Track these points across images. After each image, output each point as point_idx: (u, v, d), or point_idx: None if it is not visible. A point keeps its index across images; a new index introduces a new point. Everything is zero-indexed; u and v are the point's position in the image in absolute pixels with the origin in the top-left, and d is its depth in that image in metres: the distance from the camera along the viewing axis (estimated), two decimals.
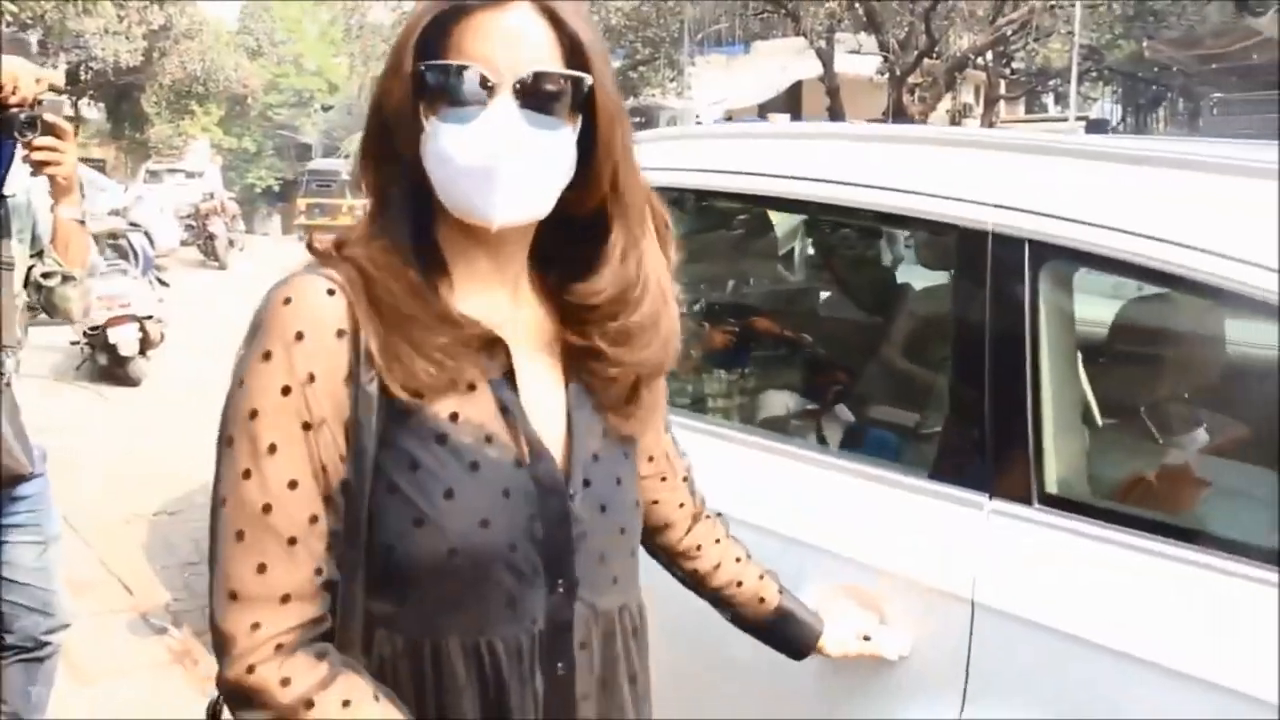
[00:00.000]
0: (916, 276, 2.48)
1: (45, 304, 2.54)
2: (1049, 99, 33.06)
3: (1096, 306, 1.99)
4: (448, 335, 1.01)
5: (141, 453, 6.12)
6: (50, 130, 2.28)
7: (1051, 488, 1.54)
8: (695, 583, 1.38)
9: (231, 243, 18.71)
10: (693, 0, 27.89)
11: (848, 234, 2.53)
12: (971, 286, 1.68)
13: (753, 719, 1.78)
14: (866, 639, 1.52)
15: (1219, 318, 1.88)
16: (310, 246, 1.06)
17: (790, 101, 29.73)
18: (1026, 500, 1.53)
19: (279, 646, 0.97)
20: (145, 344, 8.03)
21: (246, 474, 0.97)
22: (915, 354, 2.18)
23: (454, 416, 1.02)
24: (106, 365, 8.09)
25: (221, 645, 0.98)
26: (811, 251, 3.11)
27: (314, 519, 0.99)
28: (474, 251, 1.06)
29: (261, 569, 0.97)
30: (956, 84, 26.00)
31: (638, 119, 34.73)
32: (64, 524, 4.13)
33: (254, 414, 0.98)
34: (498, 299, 1.08)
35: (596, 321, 1.07)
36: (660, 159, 2.52)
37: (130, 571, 4.47)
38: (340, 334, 0.99)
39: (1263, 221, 1.45)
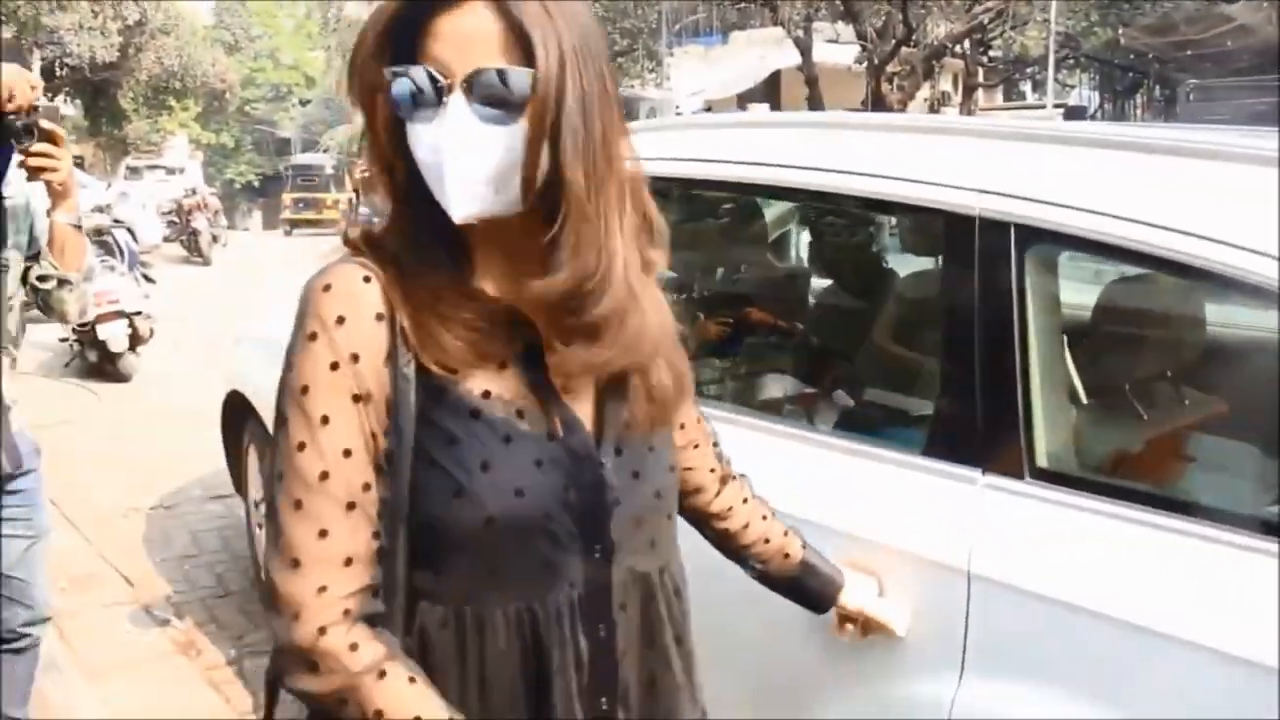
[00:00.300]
0: (904, 263, 2.54)
1: (42, 306, 2.57)
2: (1027, 86, 33.19)
3: (1077, 291, 2.06)
4: (474, 310, 1.07)
5: (135, 448, 6.16)
6: (46, 136, 2.30)
7: (1042, 462, 1.60)
8: (725, 541, 1.44)
9: (215, 238, 18.68)
10: None
11: (837, 221, 2.59)
12: (960, 270, 1.75)
13: (752, 691, 1.84)
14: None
15: (1199, 298, 1.95)
16: (344, 238, 1.12)
17: (769, 91, 29.71)
18: (1018, 475, 1.59)
19: (345, 612, 1.02)
20: (135, 340, 8.03)
21: (301, 446, 1.03)
22: (906, 337, 2.25)
23: (486, 394, 1.07)
24: (96, 361, 8.10)
25: (286, 611, 1.01)
26: (802, 239, 3.17)
27: (367, 486, 1.04)
28: (488, 239, 1.10)
29: (323, 534, 1.02)
30: (935, 72, 26.07)
31: None
32: (63, 518, 4.17)
33: (305, 389, 1.03)
34: (495, 275, 1.12)
35: (554, 318, 1.09)
36: (646, 149, 2.58)
37: (130, 565, 4.51)
38: (379, 317, 1.05)
39: (1239, 204, 1.52)
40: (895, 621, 1.61)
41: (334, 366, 1.03)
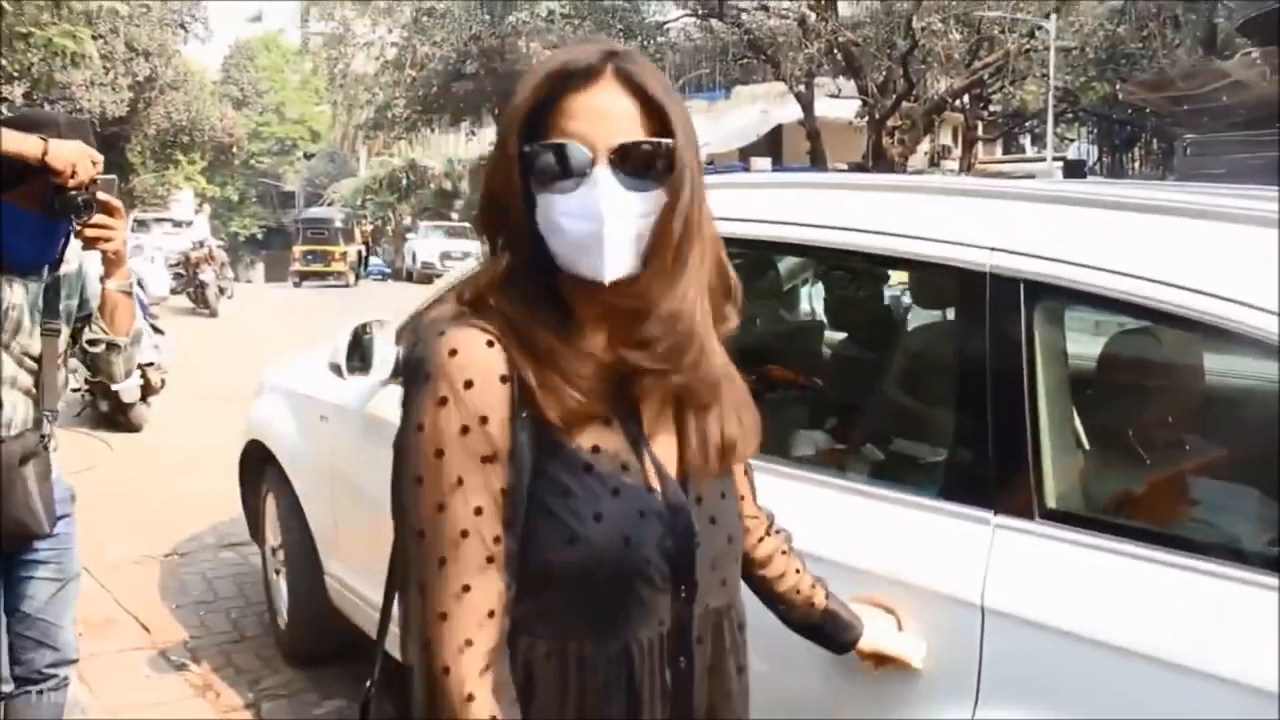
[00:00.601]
0: (916, 317, 2.64)
1: (90, 367, 2.65)
2: (1026, 140, 33.52)
3: (1077, 342, 2.16)
4: (590, 367, 1.15)
5: (147, 497, 6.21)
6: (104, 208, 2.37)
7: (1051, 503, 1.68)
8: (761, 586, 1.52)
9: (221, 290, 18.82)
10: (673, 47, 28.25)
11: (852, 276, 2.69)
12: (971, 324, 1.85)
13: None
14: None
15: (1197, 349, 2.04)
16: (459, 299, 1.18)
17: (771, 145, 30.01)
18: (1029, 515, 1.68)
19: (485, 667, 1.10)
20: (147, 390, 8.11)
21: (440, 507, 1.10)
22: (919, 387, 2.34)
23: (595, 448, 1.16)
24: (108, 411, 8.17)
25: (435, 664, 1.09)
26: (814, 292, 3.27)
27: (498, 539, 1.12)
28: (581, 297, 1.18)
29: (466, 589, 1.10)
30: (935, 126, 26.42)
31: None
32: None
33: (439, 453, 1.10)
34: (600, 335, 1.20)
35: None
36: None
37: (146, 611, 4.57)
38: (503, 379, 1.12)
39: (1235, 261, 1.63)
40: (912, 656, 1.68)
41: (464, 430, 1.10)
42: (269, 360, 4.65)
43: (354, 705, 3.74)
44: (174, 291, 18.63)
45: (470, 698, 1.09)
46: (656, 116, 1.15)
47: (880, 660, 1.67)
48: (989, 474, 1.74)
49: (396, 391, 3.40)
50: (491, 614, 1.11)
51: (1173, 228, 1.74)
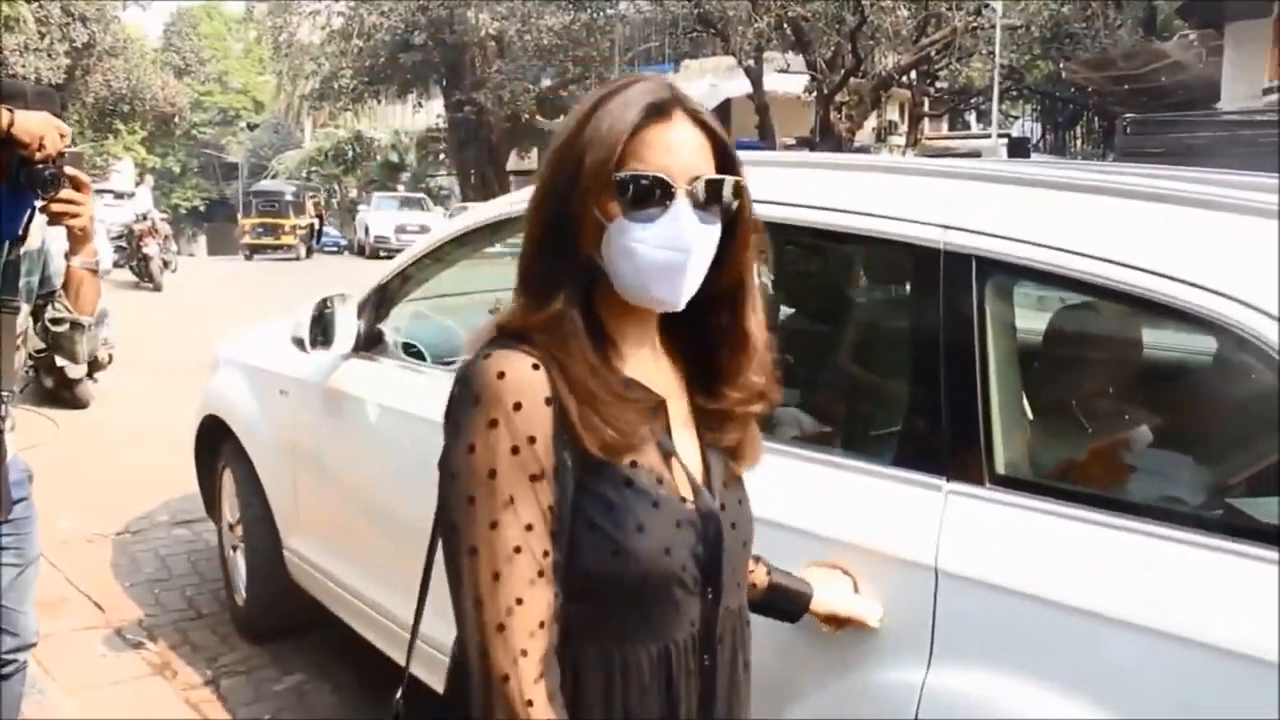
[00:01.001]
0: (870, 293, 2.72)
1: (53, 346, 2.59)
2: (971, 117, 33.83)
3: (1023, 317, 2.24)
4: (629, 407, 1.22)
5: (95, 474, 6.13)
6: (72, 183, 2.30)
7: (1001, 470, 1.76)
8: None
9: (166, 264, 18.48)
10: (623, 19, 28.12)
11: (808, 253, 2.74)
12: (925, 299, 1.92)
13: None
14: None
15: (1137, 324, 2.13)
16: (499, 324, 1.24)
17: (720, 119, 29.94)
18: (980, 481, 1.76)
19: (540, 675, 1.15)
20: (93, 366, 8.00)
21: (494, 524, 1.15)
22: (873, 360, 2.41)
23: (633, 464, 1.23)
24: (53, 388, 8.03)
25: (494, 674, 1.14)
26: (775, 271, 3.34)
27: (546, 553, 1.17)
28: (629, 324, 1.27)
29: (519, 602, 1.14)
30: (882, 102, 26.59)
31: None
32: None
33: (492, 473, 1.15)
34: (644, 358, 1.29)
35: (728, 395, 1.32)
36: None
37: (99, 589, 4.54)
38: (548, 401, 1.17)
39: (1173, 239, 1.71)
40: (869, 616, 1.76)
41: (515, 450, 1.15)
42: (222, 335, 4.62)
43: (313, 680, 3.78)
44: (116, 265, 18.26)
45: (529, 703, 1.14)
46: (719, 153, 1.23)
47: (839, 623, 1.75)
48: (941, 443, 1.82)
49: (359, 365, 3.42)
50: (542, 624, 1.16)
51: (1116, 208, 1.82)
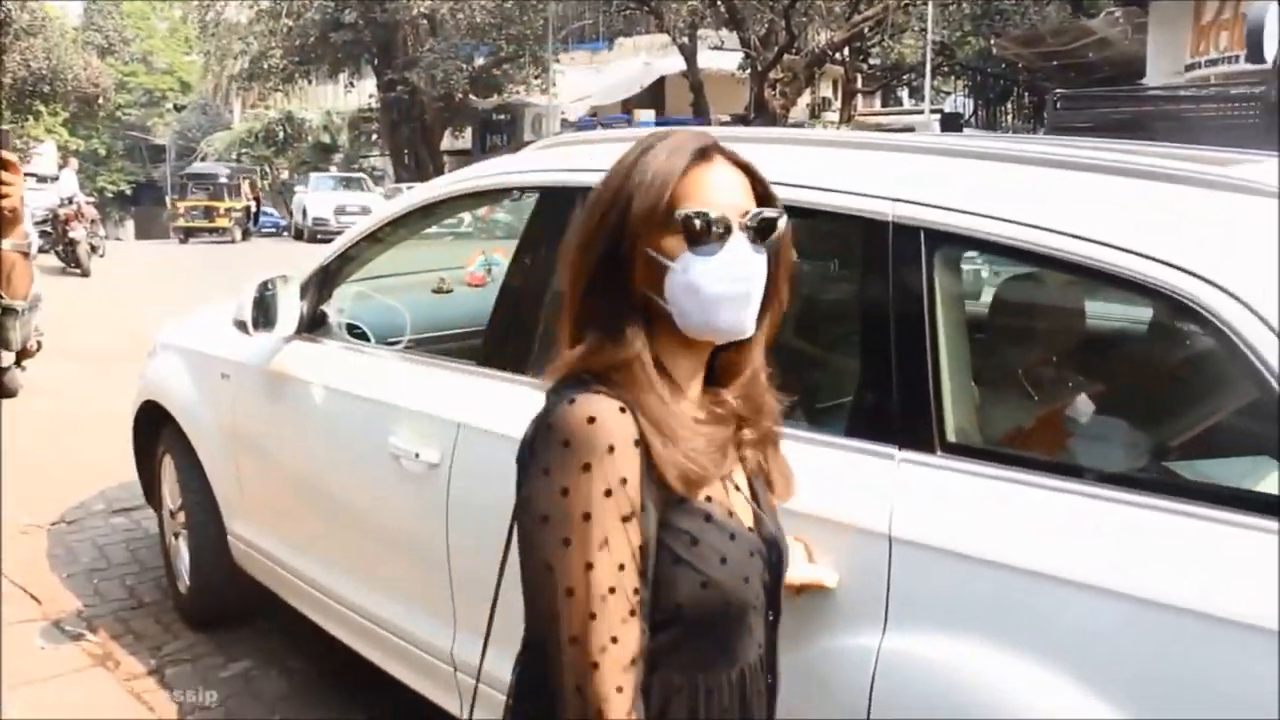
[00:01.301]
0: (820, 266, 2.74)
1: None
2: (904, 93, 34.16)
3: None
4: (704, 442, 1.27)
5: (28, 464, 5.96)
6: (1, 164, 2.21)
7: (951, 438, 1.80)
8: None
9: (93, 248, 18.05)
10: None
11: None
12: (875, 271, 1.94)
13: None
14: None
15: (1079, 294, 2.18)
16: (571, 368, 1.28)
17: (654, 97, 30.01)
18: (931, 449, 1.79)
19: (631, 708, 1.18)
20: (21, 354, 7.78)
21: (589, 566, 1.17)
22: (825, 333, 2.44)
23: (709, 499, 1.28)
24: None
25: (589, 711, 1.17)
26: None
27: (636, 591, 1.20)
28: (683, 359, 1.31)
29: (614, 640, 1.18)
30: (816, 79, 26.75)
31: (503, 116, 34.57)
32: None
33: (586, 516, 1.17)
34: (694, 393, 1.34)
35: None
36: (559, 162, 2.75)
37: (35, 582, 4.45)
38: (636, 443, 1.21)
39: (1116, 209, 1.75)
40: (825, 578, 1.79)
41: (608, 493, 1.18)
42: (157, 321, 4.54)
43: (261, 666, 3.75)
44: (42, 250, 17.78)
45: None
46: (757, 188, 1.31)
47: (795, 590, 1.77)
48: (893, 412, 1.84)
49: (302, 347, 3.38)
50: (634, 660, 1.20)
51: (1060, 180, 1.86)
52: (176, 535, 4.09)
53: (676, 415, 1.26)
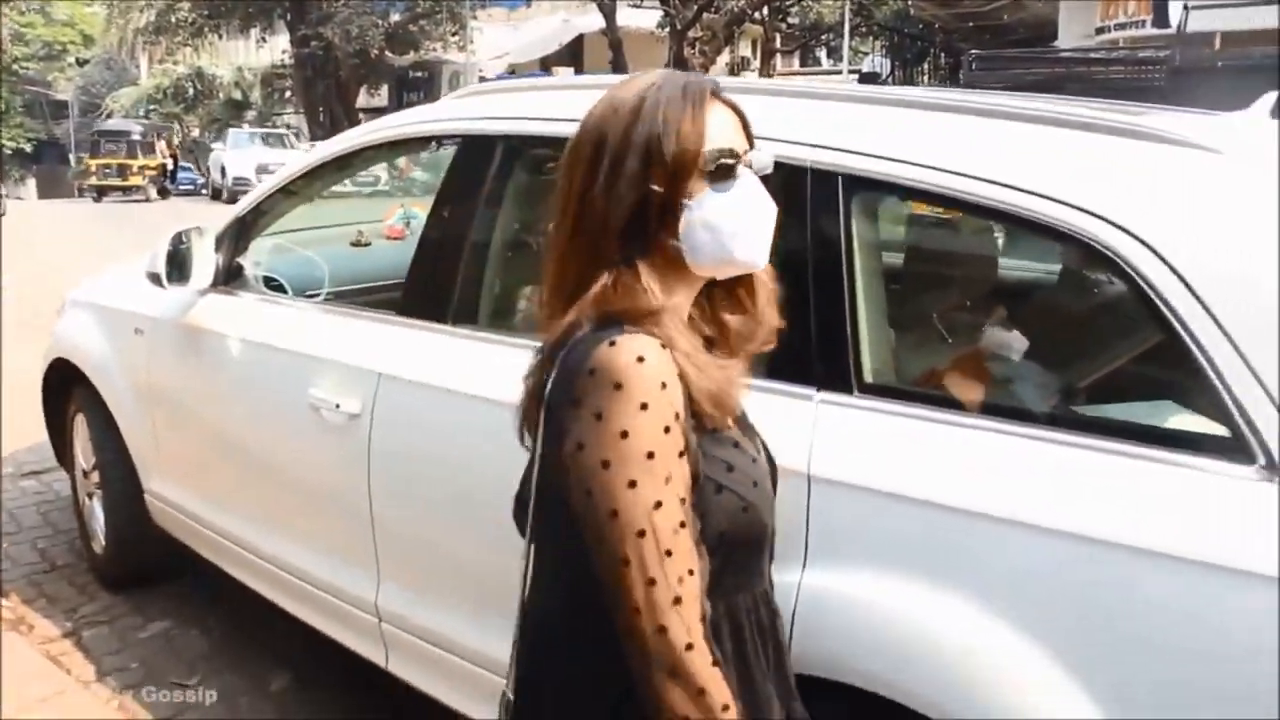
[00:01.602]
0: None
1: None
2: (822, 53, 34.33)
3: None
4: (728, 378, 1.31)
5: None
6: None
7: (868, 379, 1.84)
8: None
9: None
10: None
11: None
12: (793, 216, 1.96)
13: None
14: None
15: (991, 241, 2.24)
16: (601, 309, 1.27)
17: (573, 55, 29.76)
18: (848, 390, 1.84)
19: (708, 636, 1.20)
20: None
21: (658, 504, 1.18)
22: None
23: (728, 426, 1.32)
24: None
25: (678, 644, 1.17)
26: None
27: (694, 523, 1.22)
28: (684, 298, 1.35)
29: (690, 573, 1.19)
30: (735, 38, 26.77)
31: (420, 74, 33.99)
32: None
33: (650, 455, 1.18)
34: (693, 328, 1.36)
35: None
36: (479, 110, 2.73)
37: None
38: (681, 378, 1.23)
39: (1029, 154, 1.80)
40: None
41: (666, 430, 1.19)
42: (68, 283, 4.40)
43: (181, 625, 3.70)
44: None
45: (715, 663, 1.20)
46: (745, 129, 1.35)
47: None
48: (811, 354, 1.88)
49: (218, 300, 3.33)
50: (704, 590, 1.22)
51: (974, 126, 1.90)
52: (90, 496, 4.01)
53: (704, 359, 1.28)
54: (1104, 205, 1.64)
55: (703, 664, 1.19)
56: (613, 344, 1.20)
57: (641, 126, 1.27)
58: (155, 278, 3.20)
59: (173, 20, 33.25)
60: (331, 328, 2.85)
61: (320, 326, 2.89)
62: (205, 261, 3.14)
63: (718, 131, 1.29)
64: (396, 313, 2.66)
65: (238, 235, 3.27)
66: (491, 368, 2.25)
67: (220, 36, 35.17)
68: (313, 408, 2.67)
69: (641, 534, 1.17)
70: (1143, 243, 1.58)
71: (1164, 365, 1.66)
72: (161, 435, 3.50)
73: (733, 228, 1.27)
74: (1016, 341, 1.98)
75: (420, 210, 3.55)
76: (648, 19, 25.56)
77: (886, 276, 2.07)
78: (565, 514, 1.23)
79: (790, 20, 29.72)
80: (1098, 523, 1.55)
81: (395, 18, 30.56)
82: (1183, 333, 1.53)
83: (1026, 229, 1.80)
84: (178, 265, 3.13)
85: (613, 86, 1.34)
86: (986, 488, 1.65)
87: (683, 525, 1.20)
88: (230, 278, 3.24)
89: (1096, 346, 2.00)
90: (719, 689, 1.19)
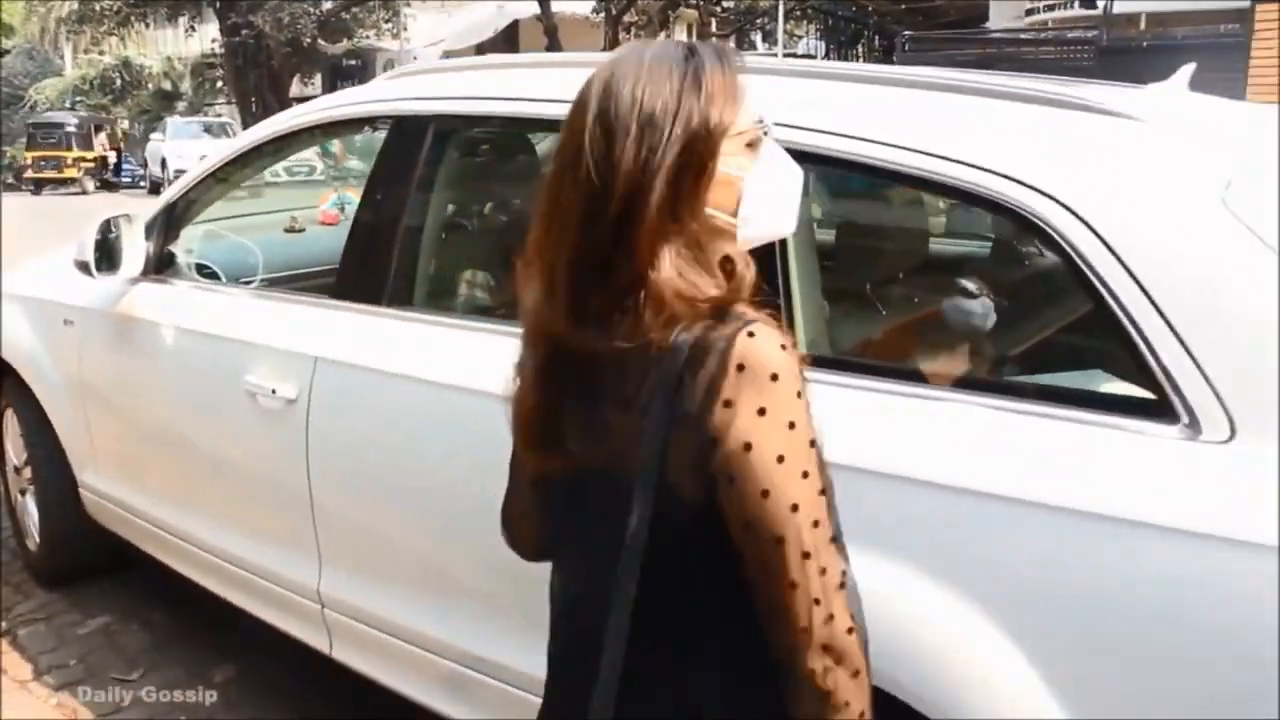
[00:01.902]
0: None
1: None
2: (757, 37, 34.42)
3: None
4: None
5: None
6: None
7: (803, 349, 1.85)
8: None
9: None
10: None
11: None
12: None
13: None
14: None
15: (921, 215, 2.28)
16: (724, 300, 1.17)
17: (508, 41, 29.53)
18: None
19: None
20: None
21: (822, 491, 1.16)
22: None
23: None
24: None
25: (839, 631, 1.16)
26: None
27: None
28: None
29: (845, 560, 1.20)
30: (671, 23, 26.76)
31: (354, 61, 33.57)
32: None
33: (812, 443, 1.15)
34: None
35: None
36: (412, 90, 2.72)
37: None
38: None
39: (961, 125, 1.82)
40: None
41: (810, 416, 1.16)
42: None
43: (120, 620, 3.65)
44: None
45: (865, 644, 1.20)
46: None
47: None
48: None
49: (150, 289, 3.27)
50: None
51: (904, 98, 1.93)
52: (23, 492, 3.94)
53: None
54: (1031, 173, 1.66)
55: (859, 647, 1.19)
56: (752, 335, 1.13)
57: (689, 102, 1.15)
58: (84, 266, 3.15)
59: (96, 9, 32.41)
60: (266, 313, 2.82)
61: (254, 312, 2.86)
62: (135, 250, 3.09)
63: (750, 99, 1.22)
64: (331, 296, 2.64)
65: (168, 222, 3.22)
66: (428, 349, 2.24)
67: (147, 25, 34.38)
68: (249, 394, 2.64)
69: (816, 524, 1.15)
70: (1068, 209, 1.61)
71: (1092, 332, 1.69)
72: (95, 428, 3.44)
73: (770, 192, 1.23)
74: (980, 307, 2.00)
75: (355, 196, 3.52)
76: (583, 5, 25.44)
77: (821, 249, 2.09)
78: (710, 552, 1.18)
79: (726, 4, 29.75)
80: (1031, 484, 1.58)
81: (327, 5, 30.09)
82: (1108, 297, 1.56)
83: (958, 198, 1.83)
84: (107, 254, 3.08)
85: (624, 56, 1.21)
86: (920, 453, 1.69)
87: (831, 509, 1.19)
88: (162, 266, 3.19)
89: (1030, 316, 2.04)
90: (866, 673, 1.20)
